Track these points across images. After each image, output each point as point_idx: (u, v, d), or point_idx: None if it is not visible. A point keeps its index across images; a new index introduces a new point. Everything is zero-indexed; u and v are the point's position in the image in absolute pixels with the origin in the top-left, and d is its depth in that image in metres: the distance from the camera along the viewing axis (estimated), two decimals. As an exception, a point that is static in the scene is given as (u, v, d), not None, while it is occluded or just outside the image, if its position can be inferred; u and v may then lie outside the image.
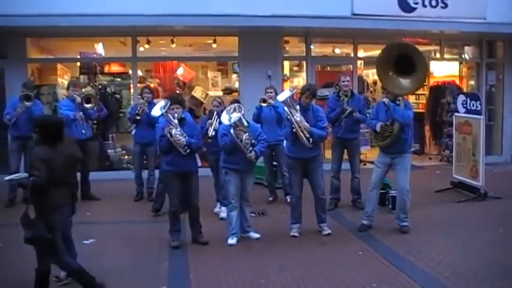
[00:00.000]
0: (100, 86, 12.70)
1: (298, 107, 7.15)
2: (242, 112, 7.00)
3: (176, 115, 6.93)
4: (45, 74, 12.81)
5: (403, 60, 7.28)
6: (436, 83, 14.18)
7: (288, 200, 8.60)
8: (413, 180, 7.91)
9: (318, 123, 7.27)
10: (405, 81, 7.36)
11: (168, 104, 6.88)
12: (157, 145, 7.10)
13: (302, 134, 7.06)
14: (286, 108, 7.09)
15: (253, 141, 7.02)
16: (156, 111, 6.98)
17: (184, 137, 6.83)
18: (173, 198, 7.06)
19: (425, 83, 13.16)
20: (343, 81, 8.74)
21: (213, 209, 8.62)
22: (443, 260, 6.34)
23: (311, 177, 7.42)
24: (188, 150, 6.86)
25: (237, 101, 7.59)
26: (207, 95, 12.69)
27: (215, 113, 8.01)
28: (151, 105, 9.01)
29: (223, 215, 8.05)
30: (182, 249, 6.92)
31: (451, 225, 7.89)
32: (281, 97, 7.26)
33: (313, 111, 7.33)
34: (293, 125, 7.04)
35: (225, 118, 7.00)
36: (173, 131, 6.79)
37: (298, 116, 7.06)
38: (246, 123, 7.10)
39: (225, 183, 7.37)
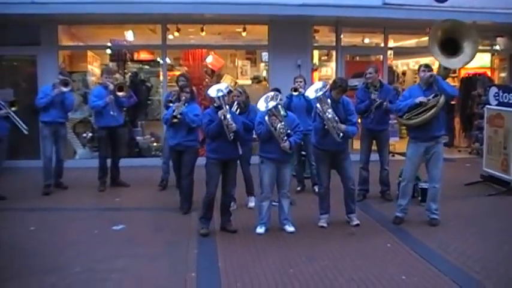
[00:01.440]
0: (130, 73, 12.80)
1: (329, 101, 7.08)
2: (279, 100, 6.99)
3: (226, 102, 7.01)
4: (76, 61, 12.97)
5: (450, 42, 7.37)
6: (467, 75, 14.00)
7: (316, 190, 8.60)
8: (442, 173, 7.83)
9: (349, 117, 7.22)
10: (453, 60, 7.48)
11: (228, 90, 7.06)
12: (205, 130, 7.09)
13: (334, 130, 7.03)
14: (318, 105, 7.01)
15: (288, 131, 6.99)
16: (212, 92, 7.00)
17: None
18: (212, 186, 7.08)
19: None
20: (367, 74, 8.70)
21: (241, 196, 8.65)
22: (473, 254, 6.27)
23: (341, 169, 7.40)
24: (233, 137, 6.90)
25: (277, 90, 7.54)
26: (236, 83, 12.69)
27: (235, 103, 7.89)
28: None
29: (252, 204, 8.08)
30: (211, 237, 6.96)
31: (481, 219, 7.79)
32: (311, 92, 7.04)
33: (344, 105, 7.26)
34: (325, 122, 7.01)
35: (261, 105, 6.99)
36: (227, 115, 6.83)
37: (330, 113, 6.99)
38: (283, 113, 7.09)
39: (259, 172, 7.35)
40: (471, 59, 7.62)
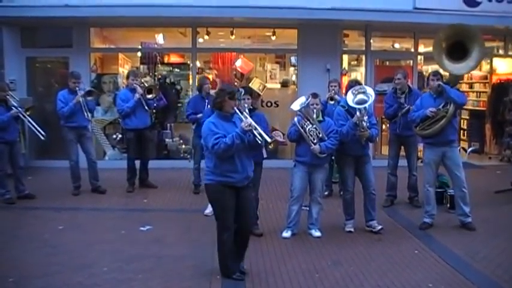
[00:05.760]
0: (160, 76, 12.91)
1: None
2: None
3: (247, 105, 6.76)
4: (107, 63, 13.13)
5: (457, 46, 7.33)
6: (498, 80, 13.79)
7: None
8: (472, 180, 7.75)
9: (369, 119, 7.18)
10: (459, 65, 7.40)
11: (243, 93, 6.81)
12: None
13: (363, 136, 7.07)
14: (358, 113, 6.97)
15: (320, 135, 6.92)
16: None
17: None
18: None
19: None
20: (396, 79, 8.63)
21: (268, 200, 8.65)
22: (502, 262, 6.17)
23: (362, 173, 7.36)
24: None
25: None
26: (264, 87, 12.71)
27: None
28: (210, 98, 8.99)
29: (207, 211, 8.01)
30: (237, 240, 6.97)
31: (510, 228, 7.63)
32: (350, 100, 7.04)
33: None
34: (362, 130, 7.00)
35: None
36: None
37: (365, 121, 7.02)
38: (319, 118, 7.08)
39: (291, 175, 7.34)
40: (477, 64, 7.59)
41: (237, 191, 5.59)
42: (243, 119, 5.44)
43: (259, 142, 5.44)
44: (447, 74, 7.83)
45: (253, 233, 7.10)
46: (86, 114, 9.27)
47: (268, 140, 5.49)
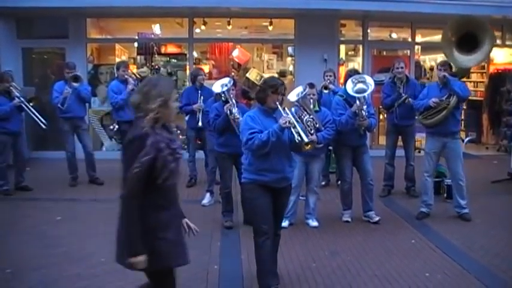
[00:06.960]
0: (157, 67, 12.87)
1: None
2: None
3: (232, 96, 7.00)
4: (104, 54, 13.10)
5: (467, 38, 7.36)
6: (496, 70, 13.79)
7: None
8: (469, 170, 7.75)
9: (367, 109, 7.17)
10: (469, 58, 7.42)
11: (232, 83, 7.03)
12: (212, 124, 7.09)
13: (362, 126, 7.08)
14: (358, 102, 6.97)
15: (317, 125, 6.87)
16: (216, 87, 7.09)
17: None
18: (226, 180, 7.12)
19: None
20: (397, 68, 8.59)
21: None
22: (500, 252, 6.18)
23: (360, 162, 7.35)
24: None
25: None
26: (261, 77, 12.69)
27: None
28: (204, 89, 8.91)
29: (205, 201, 8.26)
30: (234, 230, 6.99)
31: (508, 217, 7.68)
32: (349, 89, 7.04)
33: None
34: (361, 119, 6.99)
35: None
36: (233, 109, 6.83)
37: (365, 110, 7.02)
38: (315, 108, 7.07)
39: None
40: (486, 57, 7.56)
41: (274, 194, 5.11)
42: (283, 114, 4.98)
43: (297, 141, 5.00)
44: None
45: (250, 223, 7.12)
46: (84, 99, 9.31)
47: (306, 139, 5.01)
